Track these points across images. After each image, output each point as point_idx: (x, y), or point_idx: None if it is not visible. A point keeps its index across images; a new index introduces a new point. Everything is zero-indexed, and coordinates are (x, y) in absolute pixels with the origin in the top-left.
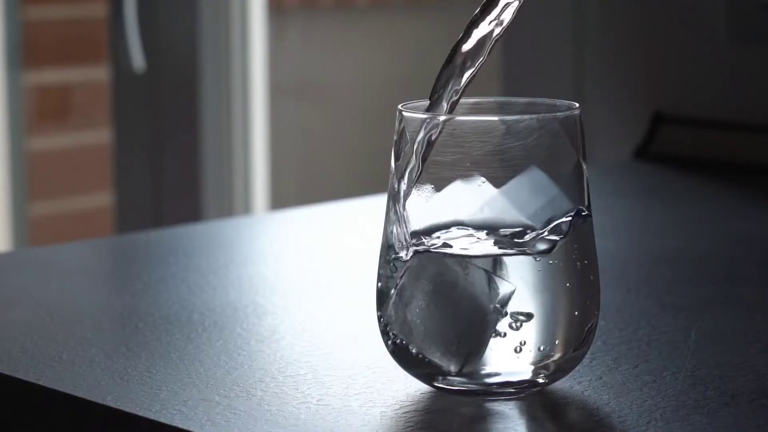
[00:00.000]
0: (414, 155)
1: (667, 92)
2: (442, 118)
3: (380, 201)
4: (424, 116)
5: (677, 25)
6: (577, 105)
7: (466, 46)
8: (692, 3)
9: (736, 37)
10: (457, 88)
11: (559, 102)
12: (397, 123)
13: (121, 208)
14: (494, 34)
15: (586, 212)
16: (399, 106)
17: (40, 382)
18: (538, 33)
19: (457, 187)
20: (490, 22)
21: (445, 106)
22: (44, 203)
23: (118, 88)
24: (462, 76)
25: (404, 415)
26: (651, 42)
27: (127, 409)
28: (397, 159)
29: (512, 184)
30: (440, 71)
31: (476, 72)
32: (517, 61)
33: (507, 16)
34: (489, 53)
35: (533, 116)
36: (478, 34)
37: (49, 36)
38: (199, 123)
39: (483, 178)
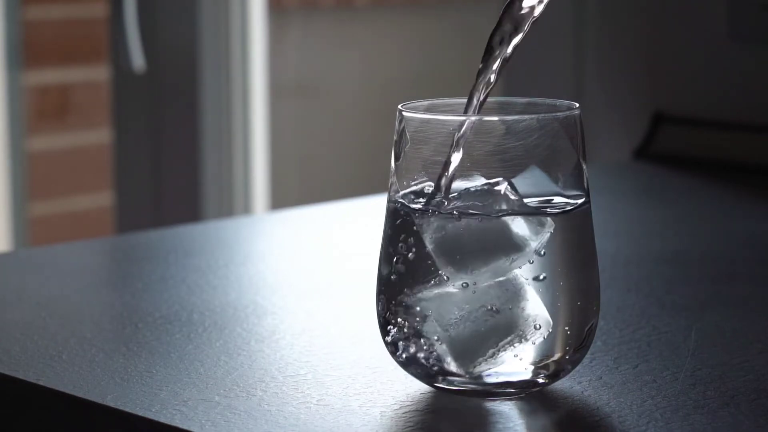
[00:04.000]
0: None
1: (667, 92)
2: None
3: (380, 201)
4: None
5: (677, 25)
6: (577, 105)
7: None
8: (692, 3)
9: (736, 37)
10: (505, 56)
11: (559, 102)
12: (397, 123)
13: (121, 208)
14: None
15: (585, 200)
16: (399, 106)
17: (40, 382)
18: (538, 33)
19: (457, 187)
20: None
21: (495, 69)
22: (44, 203)
23: (118, 88)
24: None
25: (404, 415)
26: (651, 42)
27: (127, 409)
28: (397, 159)
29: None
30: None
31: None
32: (517, 61)
33: None
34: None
35: (533, 116)
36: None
37: (49, 36)
38: (199, 123)
39: (483, 179)
